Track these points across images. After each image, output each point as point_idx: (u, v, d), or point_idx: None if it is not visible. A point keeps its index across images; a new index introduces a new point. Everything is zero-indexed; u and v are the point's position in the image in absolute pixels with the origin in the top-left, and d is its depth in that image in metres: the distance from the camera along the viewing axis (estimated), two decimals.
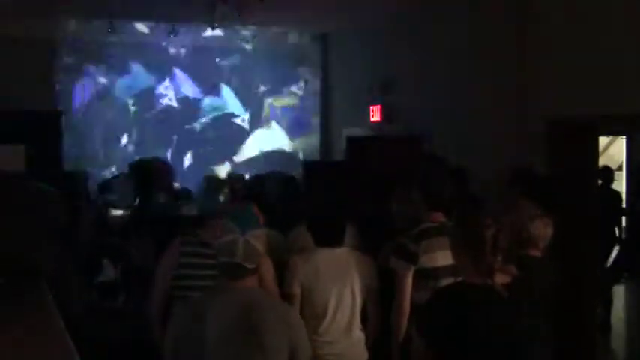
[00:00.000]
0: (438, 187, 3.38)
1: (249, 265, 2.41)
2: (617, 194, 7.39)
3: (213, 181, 3.30)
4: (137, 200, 3.78)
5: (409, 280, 3.22)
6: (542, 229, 3.18)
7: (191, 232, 3.21)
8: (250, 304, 2.40)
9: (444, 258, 3.11)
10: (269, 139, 9.52)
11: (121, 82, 8.68)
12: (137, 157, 5.78)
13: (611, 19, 4.78)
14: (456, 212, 2.61)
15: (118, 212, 3.68)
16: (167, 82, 8.93)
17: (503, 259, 2.42)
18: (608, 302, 6.72)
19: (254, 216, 2.56)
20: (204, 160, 9.04)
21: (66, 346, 1.09)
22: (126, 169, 6.76)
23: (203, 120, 9.20)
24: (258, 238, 2.44)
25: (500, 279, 2.38)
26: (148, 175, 4.92)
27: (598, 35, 4.85)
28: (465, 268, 2.44)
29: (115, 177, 3.91)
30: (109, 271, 3.46)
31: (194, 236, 3.18)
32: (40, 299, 1.10)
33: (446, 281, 3.03)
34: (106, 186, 3.88)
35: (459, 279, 2.51)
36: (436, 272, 3.21)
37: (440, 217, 3.33)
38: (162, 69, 8.90)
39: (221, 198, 3.19)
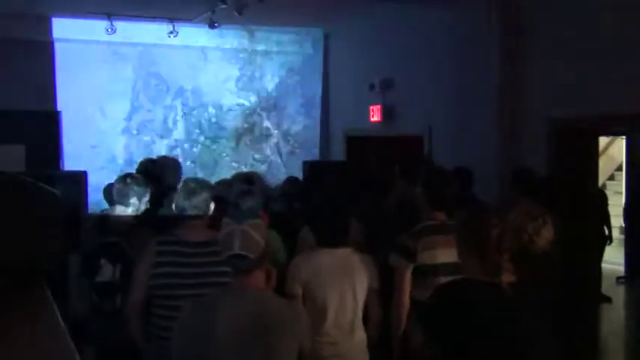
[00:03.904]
0: (440, 187, 3.42)
1: (249, 255, 2.31)
2: (603, 193, 7.38)
3: (192, 182, 3.22)
4: (147, 200, 3.73)
5: (408, 277, 3.23)
6: (543, 229, 3.17)
7: (168, 232, 3.15)
8: (260, 307, 2.35)
9: (444, 255, 3.13)
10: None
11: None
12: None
13: (612, 19, 4.78)
14: (461, 212, 2.60)
15: (123, 211, 3.61)
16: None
17: (508, 258, 2.42)
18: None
19: (254, 211, 2.49)
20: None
21: (66, 346, 1.09)
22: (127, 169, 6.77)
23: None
24: (256, 228, 2.37)
25: (506, 278, 2.38)
26: (164, 172, 4.87)
27: (598, 35, 4.85)
28: (471, 267, 2.44)
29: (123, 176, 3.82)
30: (108, 271, 3.41)
31: (171, 236, 3.12)
32: (40, 299, 1.10)
33: (445, 279, 3.01)
34: (112, 186, 3.81)
35: (460, 277, 2.51)
36: (435, 269, 3.21)
37: (441, 216, 3.36)
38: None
39: (201, 199, 3.13)
